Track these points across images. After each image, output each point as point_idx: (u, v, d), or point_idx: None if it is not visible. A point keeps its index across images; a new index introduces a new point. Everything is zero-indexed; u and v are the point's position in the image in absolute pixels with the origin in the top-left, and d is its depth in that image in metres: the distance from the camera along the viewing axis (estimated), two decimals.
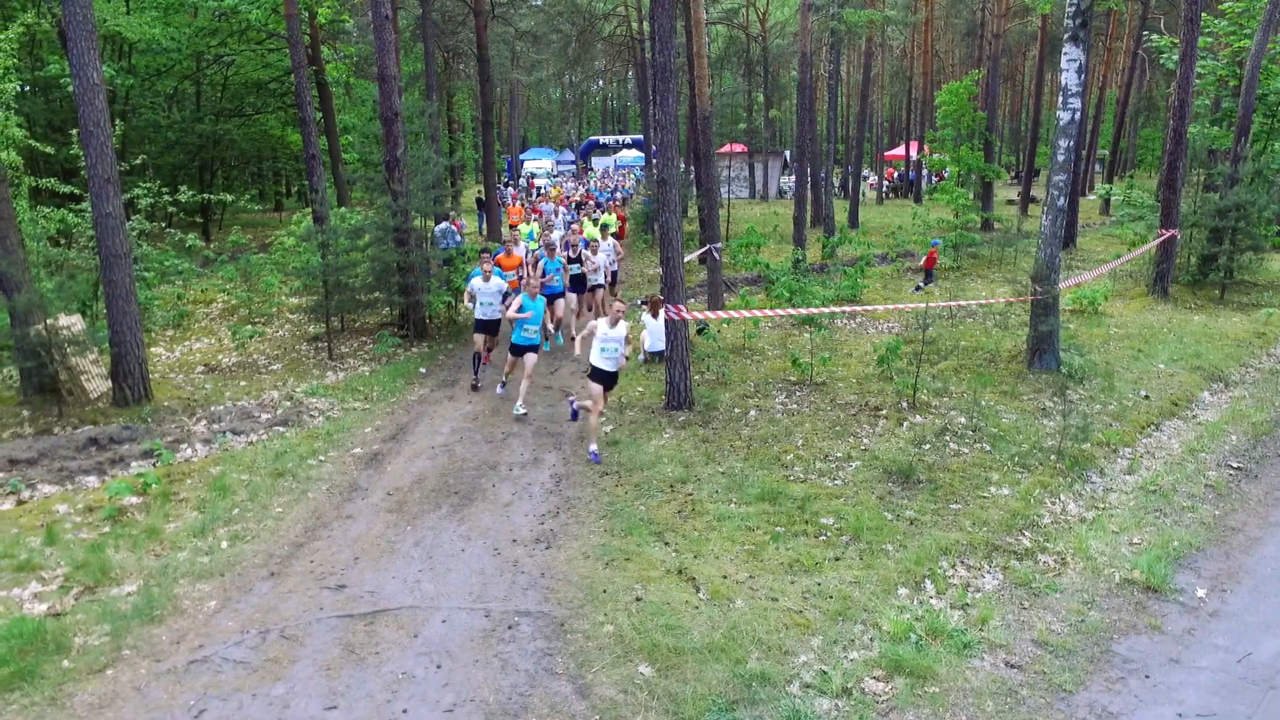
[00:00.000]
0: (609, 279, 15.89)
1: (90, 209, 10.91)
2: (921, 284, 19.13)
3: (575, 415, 10.42)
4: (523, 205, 28.88)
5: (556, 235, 15.84)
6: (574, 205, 30.66)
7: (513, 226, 22.12)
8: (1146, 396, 11.31)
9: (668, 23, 10.13)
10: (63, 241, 13.45)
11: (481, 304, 11.87)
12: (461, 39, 34.68)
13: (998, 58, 30.76)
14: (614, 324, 9.29)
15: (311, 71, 19.98)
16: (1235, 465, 9.30)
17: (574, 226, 19.70)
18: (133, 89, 25.79)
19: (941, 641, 5.83)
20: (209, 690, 5.25)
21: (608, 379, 9.41)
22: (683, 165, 29.00)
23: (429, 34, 26.16)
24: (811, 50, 23.82)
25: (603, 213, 25.05)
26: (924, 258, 20.22)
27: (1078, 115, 11.95)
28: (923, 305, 11.72)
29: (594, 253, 14.83)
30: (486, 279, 11.89)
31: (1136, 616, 6.28)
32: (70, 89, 10.89)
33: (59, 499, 8.10)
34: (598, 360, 9.31)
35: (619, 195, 35.98)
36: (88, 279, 12.80)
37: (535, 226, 18.65)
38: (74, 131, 12.38)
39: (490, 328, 12.03)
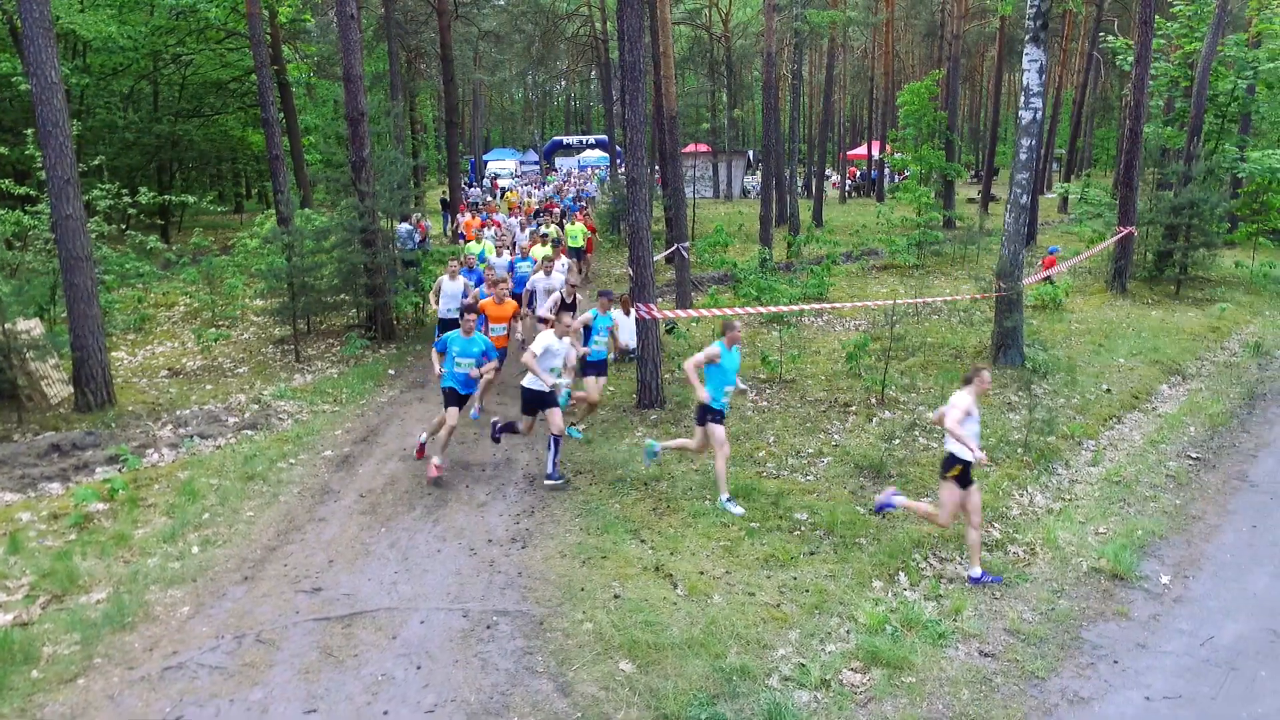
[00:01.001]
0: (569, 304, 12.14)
1: (48, 211, 10.66)
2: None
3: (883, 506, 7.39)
4: (477, 215, 24.74)
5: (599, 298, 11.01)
6: (533, 215, 27.32)
7: (466, 241, 19.96)
8: (1108, 390, 11.57)
9: (636, 22, 10.16)
10: (17, 244, 13.13)
11: (550, 370, 8.36)
12: (425, 39, 34.45)
13: (957, 58, 31.18)
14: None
15: (273, 71, 19.68)
16: (1194, 456, 9.56)
17: (524, 246, 17.09)
18: (88, 88, 25.28)
19: (917, 632, 5.92)
20: (185, 697, 5.17)
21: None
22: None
23: (392, 34, 25.97)
24: (775, 50, 24.02)
25: (569, 222, 22.61)
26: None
27: (1039, 114, 12.20)
28: (889, 302, 11.88)
29: (547, 274, 12.20)
30: (539, 345, 8.34)
31: (1104, 604, 6.43)
32: (23, 88, 10.62)
33: (21, 507, 7.91)
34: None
35: (584, 199, 34.32)
36: (45, 282, 12.51)
37: (487, 244, 15.78)
38: (29, 131, 12.11)
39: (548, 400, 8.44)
